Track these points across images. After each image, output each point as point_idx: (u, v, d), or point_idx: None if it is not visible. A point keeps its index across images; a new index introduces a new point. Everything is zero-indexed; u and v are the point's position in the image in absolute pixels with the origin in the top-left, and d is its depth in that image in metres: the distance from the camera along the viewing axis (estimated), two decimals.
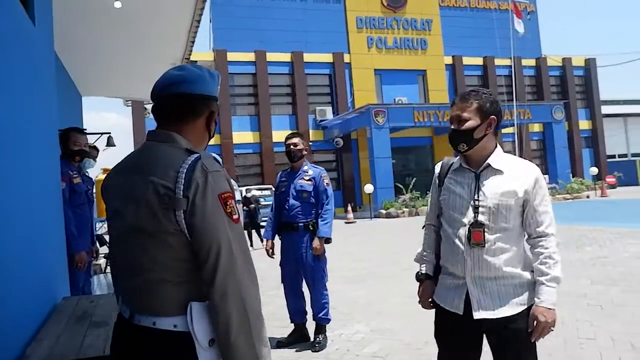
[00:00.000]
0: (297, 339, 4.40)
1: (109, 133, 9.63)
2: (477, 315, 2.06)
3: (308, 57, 23.85)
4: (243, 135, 23.05)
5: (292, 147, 4.44)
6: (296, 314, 4.45)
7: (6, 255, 2.07)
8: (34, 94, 2.86)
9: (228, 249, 1.35)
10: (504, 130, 25.51)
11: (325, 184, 4.32)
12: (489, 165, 2.13)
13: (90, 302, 2.81)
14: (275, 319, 5.04)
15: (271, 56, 23.39)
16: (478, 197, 2.10)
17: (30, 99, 2.75)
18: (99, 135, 9.55)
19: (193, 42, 6.80)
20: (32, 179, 2.74)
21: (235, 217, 1.39)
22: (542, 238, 2.06)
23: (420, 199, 19.83)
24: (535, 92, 29.23)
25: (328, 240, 4.33)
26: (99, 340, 2.10)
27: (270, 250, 4.57)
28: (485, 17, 26.91)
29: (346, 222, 17.87)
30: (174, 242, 1.35)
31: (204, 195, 1.34)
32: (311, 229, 4.29)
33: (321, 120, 23.67)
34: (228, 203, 1.38)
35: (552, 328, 2.03)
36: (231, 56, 22.86)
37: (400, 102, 23.73)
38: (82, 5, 5.14)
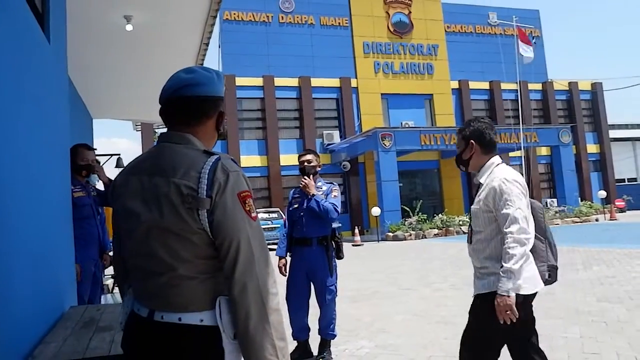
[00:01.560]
0: (300, 356, 4.40)
1: (119, 154, 9.82)
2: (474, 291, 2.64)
3: (315, 81, 24.18)
4: (251, 159, 23.24)
5: (306, 163, 4.52)
6: (301, 330, 4.45)
7: (18, 262, 2.15)
8: (47, 110, 2.98)
9: (247, 245, 1.41)
10: (511, 154, 25.54)
11: (333, 196, 4.39)
12: (477, 179, 2.68)
13: (97, 310, 2.88)
14: None
15: (279, 81, 23.74)
16: (471, 205, 2.70)
17: (43, 114, 2.87)
18: (109, 156, 9.74)
19: (202, 64, 6.98)
20: (43, 191, 2.84)
21: (253, 215, 1.46)
22: (505, 236, 2.41)
23: (427, 221, 19.78)
24: (542, 115, 29.33)
25: (340, 255, 4.43)
26: (105, 342, 2.16)
27: (283, 268, 4.56)
28: (490, 42, 27.26)
29: (353, 245, 17.84)
30: (197, 240, 1.41)
31: (225, 194, 1.41)
32: (325, 244, 4.34)
33: (328, 144, 23.86)
34: (247, 202, 1.45)
35: (508, 312, 2.34)
36: (240, 81, 23.22)
37: (407, 125, 23.91)
38: (94, 28, 5.34)
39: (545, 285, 2.56)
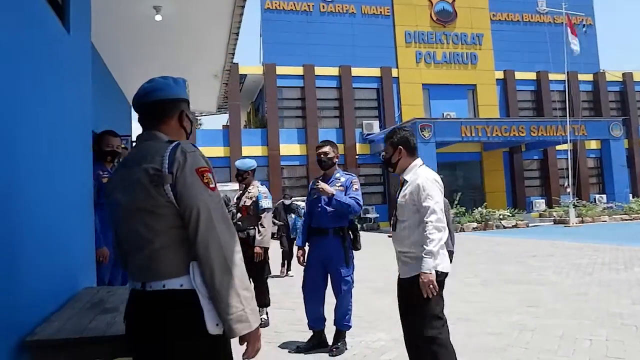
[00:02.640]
0: (315, 345, 4.42)
1: (196, 117, 10.06)
2: (400, 275, 3.18)
3: (356, 71, 24.03)
4: (290, 148, 23.40)
5: (322, 155, 4.52)
6: (316, 320, 4.47)
7: (27, 243, 2.25)
8: (67, 97, 3.09)
9: (207, 210, 1.65)
10: (557, 147, 24.67)
11: (353, 189, 4.37)
12: (403, 177, 3.20)
13: (107, 292, 2.98)
14: (295, 324, 5.11)
15: (319, 70, 23.73)
16: (397, 198, 3.20)
17: (62, 102, 2.98)
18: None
19: (233, 54, 7.06)
20: (63, 175, 2.96)
21: (212, 186, 1.70)
22: (426, 225, 2.92)
23: (465, 214, 19.41)
24: (593, 108, 28.11)
25: (357, 246, 4.43)
26: (104, 323, 2.23)
27: (302, 258, 4.60)
28: (538, 31, 26.26)
29: (389, 236, 17.66)
30: (167, 212, 1.66)
31: (184, 170, 1.66)
32: (341, 234, 4.34)
33: (368, 134, 23.72)
34: (205, 175, 1.69)
35: (431, 287, 2.86)
36: (280, 70, 23.35)
37: (448, 116, 23.44)
38: (125, 18, 5.48)
39: None
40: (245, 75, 24.19)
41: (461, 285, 7.33)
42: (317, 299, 4.45)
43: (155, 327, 1.66)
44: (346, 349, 4.33)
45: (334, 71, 24.01)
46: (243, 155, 22.75)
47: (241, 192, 5.73)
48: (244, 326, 1.64)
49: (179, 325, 1.64)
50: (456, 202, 19.68)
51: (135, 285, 1.74)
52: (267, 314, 5.49)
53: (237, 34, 6.43)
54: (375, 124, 23.82)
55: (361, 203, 4.40)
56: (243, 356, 1.70)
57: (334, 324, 4.37)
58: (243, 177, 5.58)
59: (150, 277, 1.68)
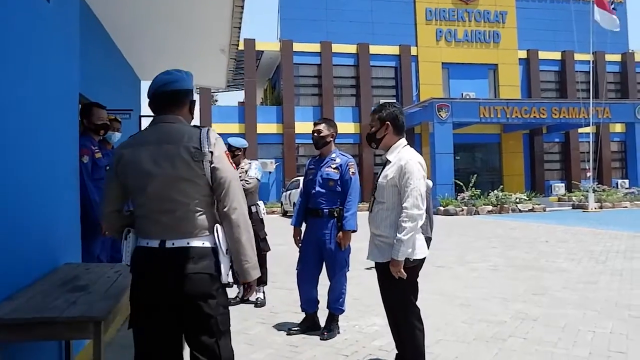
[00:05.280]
0: (308, 328, 4.33)
1: None
2: (368, 259, 3.14)
3: (374, 49, 23.61)
4: (305, 126, 23.13)
5: (315, 134, 4.36)
6: (309, 302, 4.37)
7: None
8: (49, 69, 2.98)
9: (236, 181, 2.13)
10: (580, 130, 24.02)
11: (350, 173, 4.19)
12: (385, 157, 3.07)
13: (86, 269, 2.91)
14: (291, 304, 5.04)
15: (337, 47, 23.37)
16: (378, 178, 3.08)
17: (43, 74, 2.87)
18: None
19: (239, 27, 6.85)
20: (43, 148, 2.86)
21: (233, 165, 2.17)
22: (402, 210, 2.85)
23: (481, 197, 19.10)
24: (620, 90, 27.24)
25: (353, 232, 4.23)
26: (66, 303, 2.15)
27: (297, 238, 4.50)
28: (564, 9, 25.32)
29: None
30: (201, 182, 2.07)
31: (218, 149, 2.10)
32: (335, 215, 4.20)
33: None
34: (228, 156, 2.15)
35: (398, 273, 2.86)
36: (297, 46, 23.06)
37: (467, 97, 22.92)
38: None
39: None
40: (262, 51, 23.94)
41: (468, 270, 7.17)
42: (310, 280, 4.35)
43: (180, 276, 1.99)
44: (338, 332, 4.23)
45: (351, 49, 23.61)
46: (258, 132, 22.69)
47: None
48: (256, 272, 2.14)
49: (201, 274, 2.02)
50: (472, 184, 19.36)
51: (148, 244, 2.05)
52: (263, 292, 5.42)
53: (242, 7, 6.21)
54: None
55: (357, 190, 4.24)
56: (243, 296, 2.39)
57: (327, 307, 4.27)
58: (234, 154, 5.47)
59: (174, 235, 2.03)
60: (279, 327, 4.50)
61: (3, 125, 2.36)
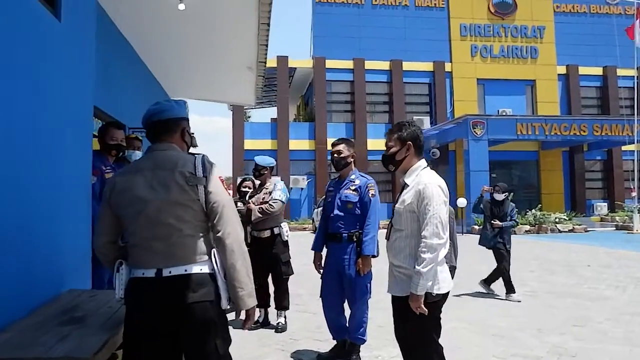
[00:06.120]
0: (337, 355, 4.12)
1: (193, 134, 9.99)
2: (388, 292, 2.85)
3: (407, 65, 23.37)
4: None
5: (335, 155, 4.18)
6: (336, 330, 4.16)
7: None
8: (61, 88, 2.92)
9: (229, 206, 2.12)
10: (623, 148, 23.05)
11: (370, 195, 3.98)
12: (403, 180, 2.83)
13: (91, 295, 2.78)
14: (313, 331, 4.82)
15: (370, 64, 23.25)
16: (395, 203, 2.84)
17: (51, 92, 2.81)
18: None
19: (265, 45, 6.80)
20: (53, 170, 2.79)
21: (227, 191, 2.15)
22: (421, 239, 2.57)
23: (518, 216, 18.42)
24: None
25: (373, 257, 4.00)
26: (56, 338, 2.02)
27: (318, 263, 4.31)
28: (606, 23, 24.60)
29: None
30: (196, 207, 2.07)
31: (213, 175, 2.11)
32: (355, 240, 3.99)
33: None
34: (222, 182, 2.21)
35: (418, 309, 2.56)
36: (330, 63, 23.05)
37: (504, 113, 22.35)
38: (149, 8, 5.31)
39: None
40: (295, 68, 24.03)
41: (502, 295, 6.78)
42: (335, 307, 4.14)
43: (180, 305, 1.96)
44: None
45: (384, 65, 23.44)
46: (290, 149, 22.68)
47: (255, 190, 5.49)
48: (252, 300, 2.09)
49: (201, 302, 1.99)
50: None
51: (144, 274, 2.01)
52: (285, 317, 5.23)
53: (268, 24, 6.15)
54: (426, 119, 23.05)
55: (378, 213, 4.00)
56: (243, 327, 2.15)
57: (347, 337, 4.04)
58: (260, 173, 5.33)
59: (170, 263, 2.00)
60: (297, 355, 4.29)
61: (10, 140, 2.29)
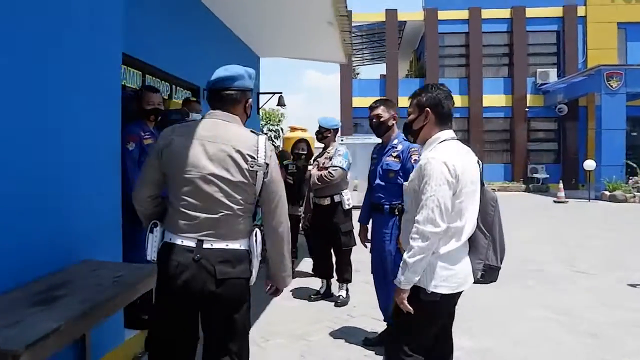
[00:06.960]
0: (384, 339, 3.72)
1: (280, 93, 9.79)
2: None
3: (531, 12, 20.99)
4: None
5: (374, 119, 3.70)
6: (385, 311, 3.76)
7: None
8: (81, 49, 2.77)
9: (284, 195, 2.21)
10: None
11: (412, 161, 3.44)
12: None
13: (92, 270, 2.65)
14: (375, 307, 4.44)
15: (487, 13, 21.28)
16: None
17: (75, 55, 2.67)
18: (271, 95, 9.81)
19: None
20: (59, 128, 2.69)
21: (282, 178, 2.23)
22: (414, 225, 2.19)
23: None
24: None
25: None
26: (10, 322, 1.86)
27: (363, 237, 3.96)
28: None
29: (555, 201, 15.53)
30: (249, 190, 2.09)
31: (274, 165, 2.14)
32: (397, 213, 3.52)
33: (542, 84, 20.76)
34: (280, 171, 2.27)
35: (402, 306, 2.23)
36: (442, 15, 21.53)
37: None
38: None
39: (475, 283, 2.33)
40: (405, 22, 22.79)
41: (617, 280, 5.76)
42: (381, 286, 3.73)
43: (218, 280, 2.01)
44: None
45: (504, 13, 21.27)
46: (399, 106, 21.80)
47: (319, 154, 5.10)
48: (289, 280, 2.30)
49: (239, 279, 2.07)
50: None
51: (183, 242, 2.03)
52: (347, 290, 4.91)
53: None
54: (552, 72, 20.66)
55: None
56: (273, 295, 2.33)
57: (384, 320, 3.64)
58: (323, 136, 4.94)
59: (213, 236, 2.03)
60: (345, 335, 3.96)
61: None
